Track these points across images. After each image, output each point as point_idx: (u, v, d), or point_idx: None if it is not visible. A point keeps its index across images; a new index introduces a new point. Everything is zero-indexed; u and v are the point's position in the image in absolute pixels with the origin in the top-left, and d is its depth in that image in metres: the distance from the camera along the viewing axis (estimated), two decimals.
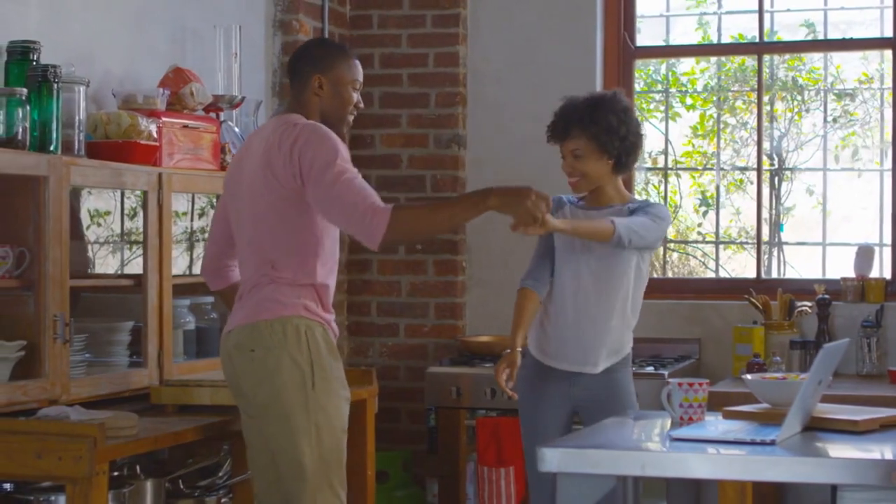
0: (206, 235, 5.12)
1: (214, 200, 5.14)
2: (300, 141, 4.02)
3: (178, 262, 5.06)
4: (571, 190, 4.71)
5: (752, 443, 3.26)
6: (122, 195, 4.64)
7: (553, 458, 3.22)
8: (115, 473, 4.28)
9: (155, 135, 4.65)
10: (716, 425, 3.51)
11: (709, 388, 3.69)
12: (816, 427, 3.50)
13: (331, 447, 4.05)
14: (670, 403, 3.66)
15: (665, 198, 6.81)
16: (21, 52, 4.28)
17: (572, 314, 4.63)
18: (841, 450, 3.28)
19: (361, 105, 4.33)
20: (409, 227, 4.01)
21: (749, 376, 3.78)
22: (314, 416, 4.02)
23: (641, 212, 4.56)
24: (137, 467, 4.39)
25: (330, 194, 3.97)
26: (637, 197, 4.87)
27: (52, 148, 4.20)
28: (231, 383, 4.16)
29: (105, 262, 4.75)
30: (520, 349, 4.65)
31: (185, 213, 5.11)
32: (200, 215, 5.20)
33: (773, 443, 3.25)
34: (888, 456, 3.20)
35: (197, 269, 5.11)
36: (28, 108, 4.13)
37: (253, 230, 4.12)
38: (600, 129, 4.57)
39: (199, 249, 5.17)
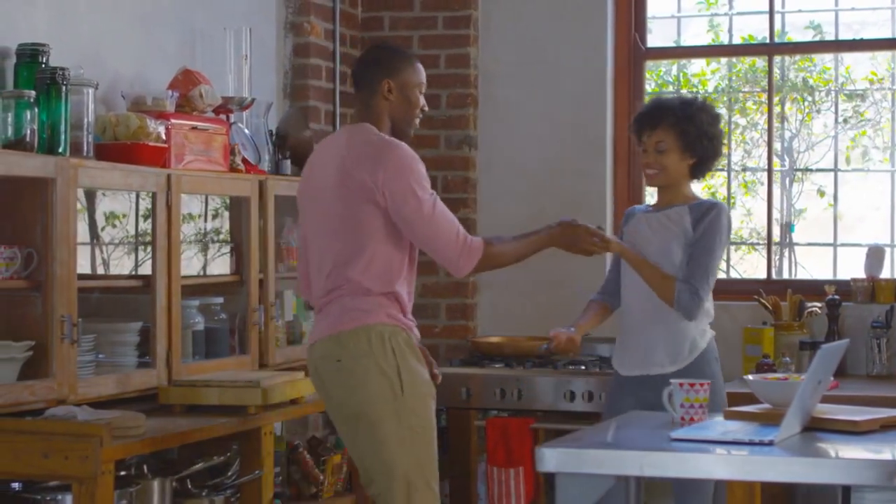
0: (221, 237, 5.17)
1: (228, 201, 5.17)
2: (381, 164, 4.11)
3: (193, 263, 5.09)
4: (645, 182, 4.72)
5: (751, 443, 3.27)
6: (137, 197, 4.66)
7: (552, 458, 3.23)
8: (123, 473, 4.30)
9: (164, 136, 4.67)
10: (716, 426, 3.52)
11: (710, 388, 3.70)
12: (817, 427, 3.50)
13: (425, 448, 4.13)
14: (671, 404, 3.68)
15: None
16: (30, 55, 4.31)
17: (630, 320, 4.70)
18: (840, 450, 3.29)
19: (426, 108, 4.40)
20: (493, 264, 4.32)
21: (751, 377, 3.80)
22: (406, 420, 4.09)
23: (702, 233, 4.58)
24: (145, 467, 4.41)
25: (420, 223, 4.13)
26: (700, 196, 4.83)
27: (60, 150, 4.23)
28: (321, 394, 4.25)
29: (120, 264, 4.78)
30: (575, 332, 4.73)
31: (199, 215, 5.14)
32: (214, 216, 5.23)
33: (771, 443, 3.26)
34: (888, 456, 3.20)
35: (210, 270, 5.15)
36: (36, 110, 4.16)
37: (327, 242, 4.19)
38: (692, 125, 4.60)
39: (213, 251, 5.20)
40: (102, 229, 4.70)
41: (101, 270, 4.71)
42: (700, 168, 4.68)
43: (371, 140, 4.18)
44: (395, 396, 4.08)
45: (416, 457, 4.10)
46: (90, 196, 4.61)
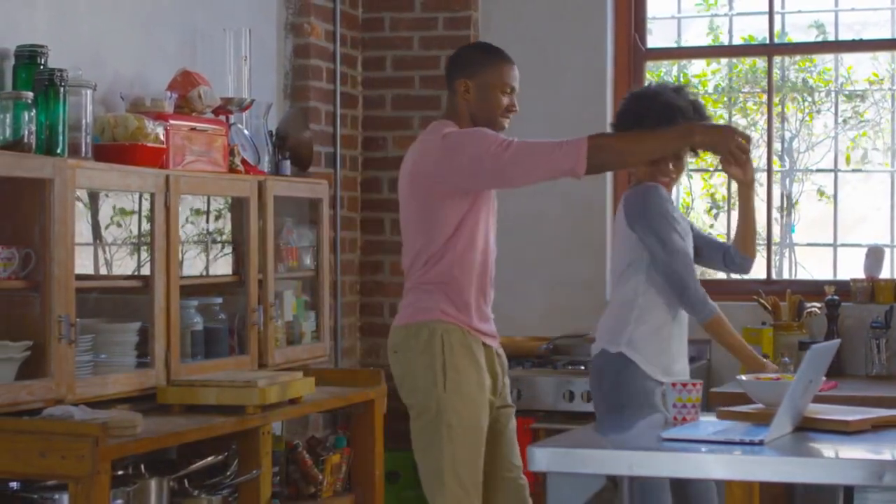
0: (224, 237, 5.19)
1: (230, 202, 5.18)
2: (440, 150, 4.20)
3: (196, 264, 5.11)
4: (666, 188, 4.66)
5: (741, 443, 3.29)
6: (140, 198, 4.68)
7: (543, 458, 3.25)
8: (121, 472, 4.32)
9: (162, 137, 4.69)
10: (708, 425, 3.53)
11: (708, 387, 3.72)
12: (808, 427, 3.52)
13: (462, 448, 4.17)
14: (664, 404, 3.69)
15: (676, 200, 6.82)
16: (29, 56, 4.33)
17: (683, 328, 4.69)
18: (829, 450, 3.31)
19: (515, 109, 4.41)
20: (611, 157, 4.12)
21: (744, 377, 3.81)
22: (446, 417, 4.16)
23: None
24: (142, 466, 4.43)
25: (508, 163, 4.11)
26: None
27: (58, 151, 4.25)
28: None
29: (123, 264, 4.79)
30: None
31: (202, 213, 5.16)
32: (217, 217, 5.25)
33: (761, 443, 3.27)
34: (875, 456, 3.21)
35: (213, 270, 5.17)
36: (34, 111, 4.18)
37: (405, 235, 4.35)
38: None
39: (214, 251, 5.22)
40: (106, 228, 4.72)
41: (104, 271, 4.73)
42: None
43: (440, 131, 4.27)
44: (437, 392, 4.16)
45: (452, 455, 4.15)
46: (93, 197, 4.63)
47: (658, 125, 4.30)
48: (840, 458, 3.21)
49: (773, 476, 3.19)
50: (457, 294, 4.23)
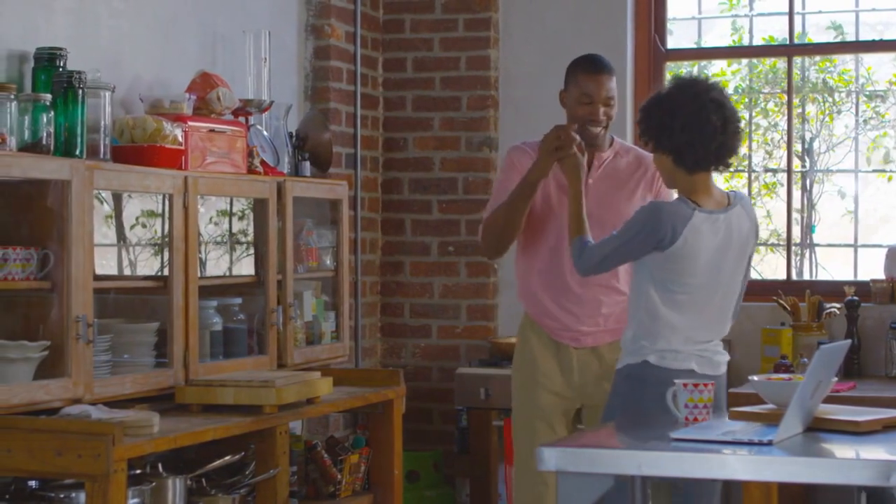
0: (247, 238, 5.23)
1: (253, 203, 5.21)
2: None
3: (220, 264, 5.14)
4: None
5: (750, 443, 3.29)
6: (164, 199, 4.71)
7: (551, 457, 3.26)
8: (138, 471, 4.36)
9: (181, 139, 4.73)
10: (719, 426, 3.53)
11: (715, 388, 3.72)
12: (819, 428, 3.51)
13: (522, 436, 4.62)
14: (675, 404, 3.69)
15: None
16: (48, 59, 4.37)
17: None
18: (838, 450, 3.30)
19: (599, 117, 4.58)
20: (488, 232, 4.62)
21: (756, 377, 3.81)
22: (515, 404, 4.69)
23: None
24: (160, 465, 4.46)
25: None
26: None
27: (77, 152, 4.28)
28: None
29: (147, 265, 4.83)
30: None
31: (225, 214, 5.19)
32: (240, 218, 5.28)
33: (770, 443, 3.27)
34: (884, 456, 3.21)
35: (237, 271, 5.20)
36: (53, 113, 4.22)
37: None
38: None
39: (239, 251, 5.25)
40: (132, 229, 4.76)
41: (128, 271, 4.77)
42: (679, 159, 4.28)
43: None
44: (512, 383, 4.73)
45: (518, 441, 4.67)
46: (117, 198, 4.67)
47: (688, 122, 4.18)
48: (847, 459, 3.21)
49: (781, 476, 3.19)
50: (529, 290, 4.77)
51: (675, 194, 4.25)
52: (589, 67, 4.57)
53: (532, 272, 4.67)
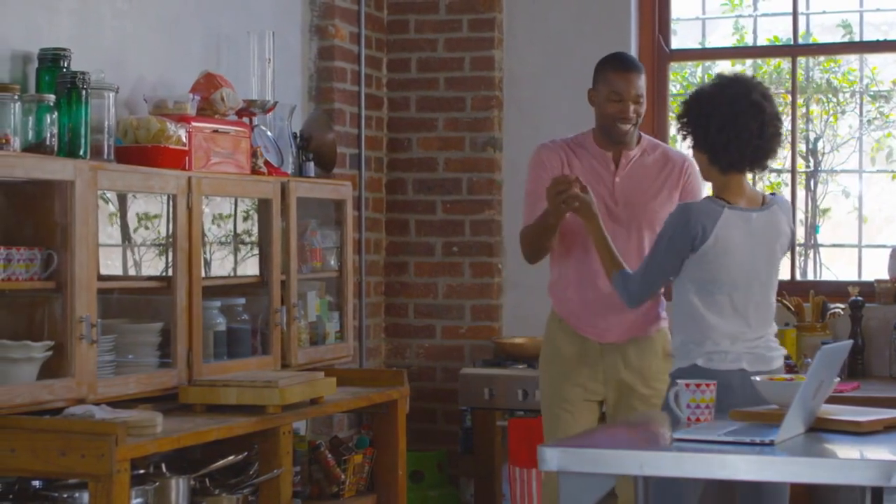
0: (252, 239, 5.24)
1: (258, 204, 5.21)
2: None
3: (225, 265, 5.15)
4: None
5: (751, 443, 3.29)
6: (168, 199, 4.71)
7: (553, 458, 3.27)
8: (142, 471, 4.36)
9: (184, 139, 4.73)
10: (721, 426, 3.53)
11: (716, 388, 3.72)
12: (820, 428, 3.52)
13: (550, 427, 4.76)
14: (678, 404, 3.70)
15: None
16: (52, 60, 4.38)
17: None
18: (838, 450, 3.31)
19: (629, 115, 4.64)
20: (522, 248, 4.78)
21: (758, 378, 3.81)
22: (543, 397, 4.86)
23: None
24: (163, 465, 4.47)
25: None
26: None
27: (80, 153, 4.29)
28: None
29: (153, 265, 4.84)
30: None
31: (229, 215, 5.20)
32: (245, 218, 5.28)
33: (771, 443, 3.28)
34: (884, 457, 3.21)
35: (242, 271, 5.21)
36: (56, 114, 4.23)
37: None
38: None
39: (245, 252, 5.25)
40: (135, 231, 4.76)
41: (133, 272, 4.78)
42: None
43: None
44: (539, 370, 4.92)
45: (543, 427, 4.82)
46: (122, 199, 4.68)
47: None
48: (848, 459, 3.21)
49: (782, 476, 3.20)
50: (555, 288, 4.94)
51: (703, 191, 4.27)
52: (619, 65, 4.65)
53: (563, 272, 4.79)
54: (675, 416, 3.72)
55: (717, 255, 4.05)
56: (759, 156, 4.09)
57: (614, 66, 4.65)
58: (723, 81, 4.15)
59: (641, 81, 4.64)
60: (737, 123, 4.03)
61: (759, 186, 7.07)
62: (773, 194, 4.27)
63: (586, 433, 3.74)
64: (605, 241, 4.38)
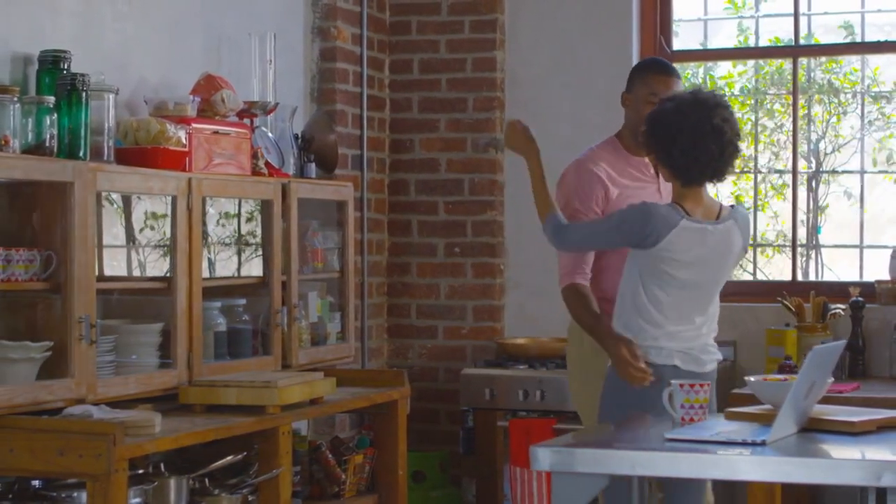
0: (256, 240, 5.25)
1: (260, 205, 5.23)
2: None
3: (228, 266, 5.17)
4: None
5: (743, 443, 3.30)
6: (168, 200, 4.73)
7: (545, 458, 3.28)
8: (141, 471, 4.38)
9: (184, 141, 4.75)
10: (714, 426, 3.55)
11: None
12: (814, 428, 3.53)
13: (585, 418, 4.66)
14: (672, 404, 3.71)
15: None
16: (52, 61, 4.40)
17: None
18: (831, 450, 3.32)
19: None
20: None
21: (752, 378, 3.82)
22: (573, 394, 4.81)
23: None
24: (162, 465, 4.49)
25: None
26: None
27: (80, 154, 4.31)
28: None
29: (156, 266, 4.86)
30: None
31: (233, 215, 5.22)
32: (248, 220, 5.30)
33: (763, 443, 3.29)
34: (876, 457, 3.22)
35: (245, 272, 5.23)
36: (56, 115, 4.25)
37: None
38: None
39: (248, 252, 5.27)
40: (141, 231, 4.78)
41: (137, 272, 4.80)
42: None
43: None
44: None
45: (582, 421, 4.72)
46: (126, 200, 4.70)
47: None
48: (839, 459, 3.22)
49: (773, 476, 3.20)
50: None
51: None
52: (660, 69, 4.70)
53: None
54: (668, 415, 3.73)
55: (665, 260, 4.19)
56: (718, 173, 4.25)
57: (655, 69, 4.70)
58: (684, 104, 4.23)
59: (679, 87, 4.67)
60: (697, 148, 4.17)
61: (764, 188, 7.09)
62: (732, 206, 4.39)
63: (579, 433, 3.75)
64: (542, 181, 4.52)
